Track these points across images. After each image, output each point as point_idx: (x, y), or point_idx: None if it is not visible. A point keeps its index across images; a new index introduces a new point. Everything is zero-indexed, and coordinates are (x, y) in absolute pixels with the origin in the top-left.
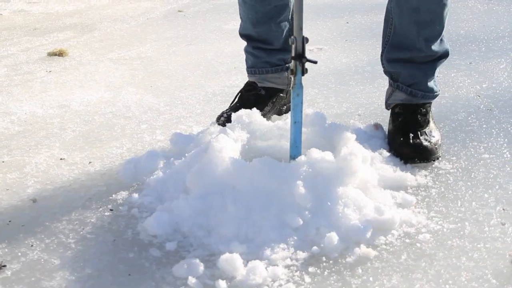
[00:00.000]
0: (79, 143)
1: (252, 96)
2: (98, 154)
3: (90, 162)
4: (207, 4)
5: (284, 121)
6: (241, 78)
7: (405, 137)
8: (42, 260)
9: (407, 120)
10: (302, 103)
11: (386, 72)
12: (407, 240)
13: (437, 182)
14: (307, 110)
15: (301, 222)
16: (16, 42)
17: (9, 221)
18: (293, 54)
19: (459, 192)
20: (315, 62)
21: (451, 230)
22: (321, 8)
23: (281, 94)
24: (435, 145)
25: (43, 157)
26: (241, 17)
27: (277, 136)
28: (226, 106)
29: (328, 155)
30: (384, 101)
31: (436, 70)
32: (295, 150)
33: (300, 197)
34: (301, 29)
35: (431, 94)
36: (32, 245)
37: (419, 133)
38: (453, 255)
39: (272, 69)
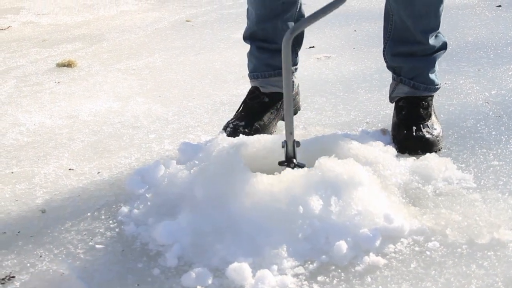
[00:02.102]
0: (88, 154)
1: (257, 104)
2: (107, 164)
3: (98, 172)
4: (214, 13)
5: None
6: (249, 87)
7: (408, 130)
8: (51, 270)
9: (410, 113)
10: None
11: (389, 67)
12: (417, 248)
13: (446, 190)
14: None
15: (310, 230)
16: (25, 54)
17: (18, 232)
18: (284, 159)
19: (468, 200)
20: (302, 167)
21: (460, 238)
22: (328, 16)
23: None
24: (436, 137)
25: (52, 168)
26: (248, 17)
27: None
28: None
29: (337, 163)
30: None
31: (436, 62)
32: None
33: (310, 205)
34: (291, 133)
35: (433, 86)
36: (41, 256)
37: (421, 125)
38: (463, 263)
39: (275, 72)
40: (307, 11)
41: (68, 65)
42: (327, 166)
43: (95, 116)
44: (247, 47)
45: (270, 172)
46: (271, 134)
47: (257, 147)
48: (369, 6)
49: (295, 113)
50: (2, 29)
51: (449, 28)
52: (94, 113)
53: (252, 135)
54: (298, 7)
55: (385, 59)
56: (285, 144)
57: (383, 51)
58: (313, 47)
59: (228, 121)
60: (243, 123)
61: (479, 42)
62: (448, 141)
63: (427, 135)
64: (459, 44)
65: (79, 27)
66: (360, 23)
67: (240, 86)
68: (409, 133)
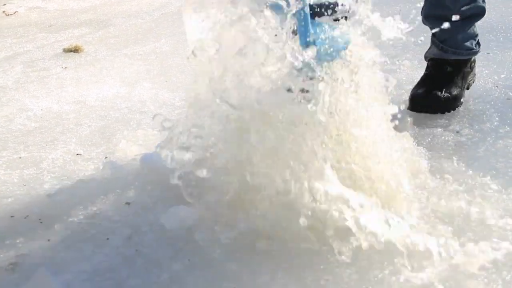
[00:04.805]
0: (95, 139)
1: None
2: (114, 149)
3: (106, 157)
4: None
5: None
6: None
7: (424, 88)
8: (60, 254)
9: (431, 73)
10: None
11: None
12: None
13: (454, 176)
14: None
15: None
16: (32, 39)
17: (27, 216)
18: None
19: (478, 185)
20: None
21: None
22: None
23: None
24: (449, 99)
25: (60, 153)
26: None
27: None
28: None
29: None
30: None
31: (471, 28)
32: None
33: None
34: None
35: (462, 51)
36: (49, 239)
37: (439, 87)
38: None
39: None
40: None
41: (75, 50)
42: None
43: (102, 101)
44: None
45: None
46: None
47: None
48: None
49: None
50: (8, 15)
51: None
52: (101, 98)
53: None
54: None
55: (422, 20)
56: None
57: (421, 13)
58: None
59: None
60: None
61: (488, 26)
62: (458, 125)
63: (439, 94)
64: None
65: (86, 13)
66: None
67: None
68: (424, 91)
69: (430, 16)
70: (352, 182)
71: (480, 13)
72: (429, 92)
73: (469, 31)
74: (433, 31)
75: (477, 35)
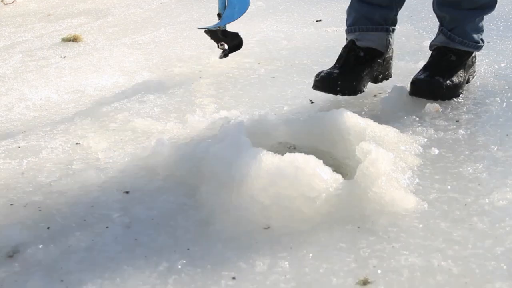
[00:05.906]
0: (94, 128)
1: (352, 57)
2: (113, 138)
3: (105, 147)
4: None
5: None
6: (256, 61)
7: (426, 73)
8: (59, 242)
9: (434, 61)
10: None
11: (437, 17)
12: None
13: (454, 164)
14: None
15: None
16: (31, 28)
17: (26, 204)
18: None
19: (477, 173)
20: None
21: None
22: None
23: (379, 60)
24: (450, 86)
25: (59, 142)
26: None
27: None
28: (239, 89)
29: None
30: None
31: (479, 19)
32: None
33: None
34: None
35: (470, 42)
36: (48, 228)
37: (442, 73)
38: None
39: (373, 27)
40: None
41: (74, 39)
42: None
43: (101, 91)
44: (253, 23)
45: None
46: (360, 91)
47: (261, 126)
48: None
49: (387, 79)
50: (7, 4)
51: None
52: (100, 88)
53: (344, 86)
54: None
55: (433, 8)
56: None
57: (433, 1)
58: (319, 20)
59: (322, 70)
60: (337, 71)
61: (489, 14)
62: (458, 112)
63: (440, 80)
64: None
65: (84, 2)
66: None
67: (246, 59)
68: (427, 76)
69: (441, 3)
70: None
71: (492, 4)
72: (432, 77)
73: (478, 23)
74: (442, 18)
75: (483, 31)
